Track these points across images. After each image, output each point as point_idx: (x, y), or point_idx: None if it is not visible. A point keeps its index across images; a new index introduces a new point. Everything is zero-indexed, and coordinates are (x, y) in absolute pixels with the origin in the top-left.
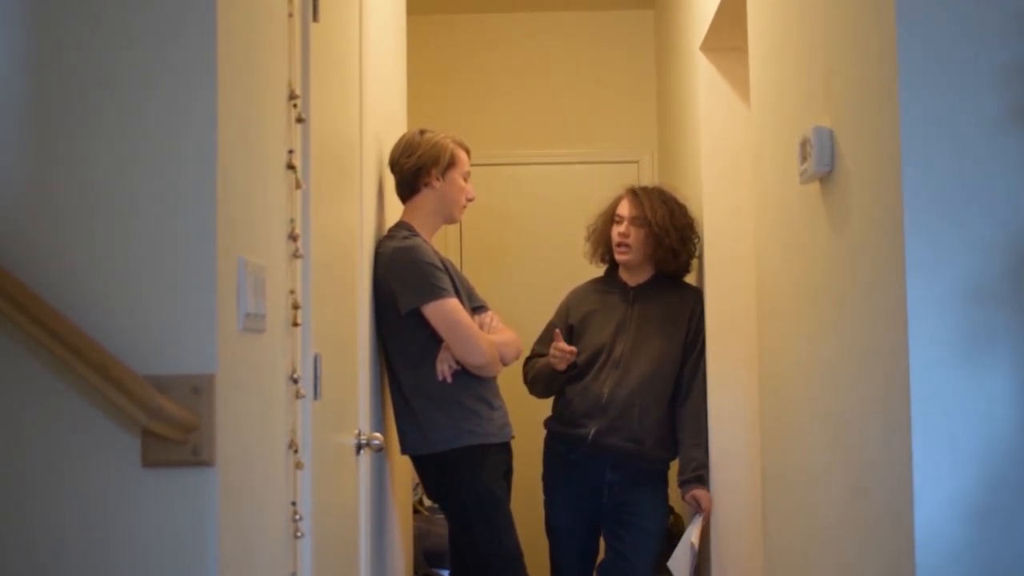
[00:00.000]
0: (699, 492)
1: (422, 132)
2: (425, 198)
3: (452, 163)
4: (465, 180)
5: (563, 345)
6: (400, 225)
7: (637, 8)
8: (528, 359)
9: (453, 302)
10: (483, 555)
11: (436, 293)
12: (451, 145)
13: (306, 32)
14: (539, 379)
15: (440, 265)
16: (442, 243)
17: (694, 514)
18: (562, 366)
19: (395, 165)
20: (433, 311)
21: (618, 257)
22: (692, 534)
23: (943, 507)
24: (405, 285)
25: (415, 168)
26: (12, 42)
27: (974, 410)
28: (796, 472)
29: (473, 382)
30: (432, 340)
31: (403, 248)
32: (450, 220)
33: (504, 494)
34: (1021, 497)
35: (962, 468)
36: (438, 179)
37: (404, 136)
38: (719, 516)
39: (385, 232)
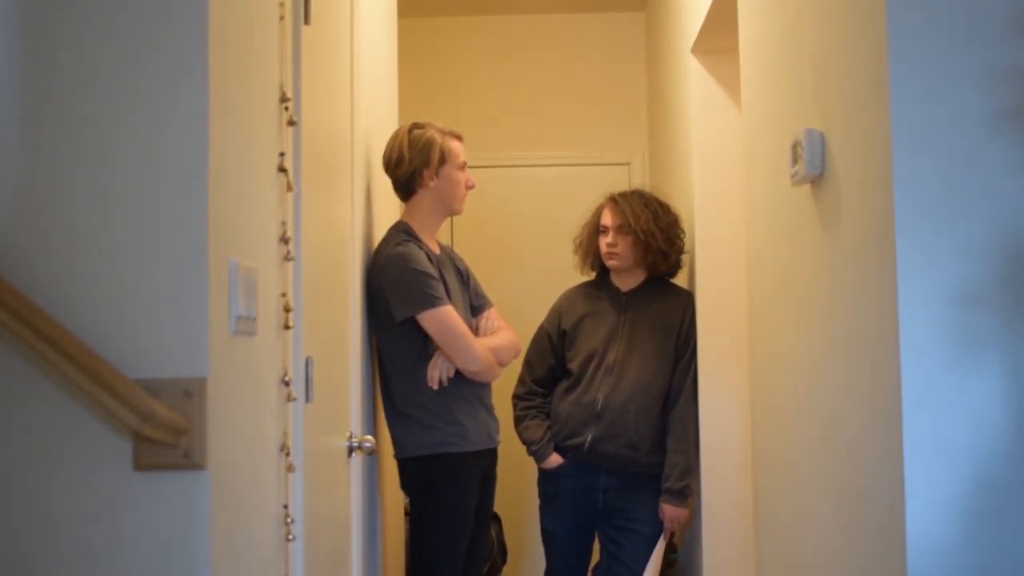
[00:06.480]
0: (668, 509)
1: (411, 130)
2: (422, 198)
3: (444, 159)
4: (461, 170)
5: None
6: (397, 227)
7: (628, 10)
8: (520, 395)
9: (447, 310)
10: (431, 563)
11: (430, 302)
12: (440, 139)
13: (297, 35)
14: (522, 438)
15: (432, 271)
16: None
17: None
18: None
19: (388, 170)
20: (428, 320)
21: (608, 264)
22: (656, 555)
23: (934, 509)
24: (398, 294)
25: (408, 174)
26: (1, 47)
27: (965, 412)
28: (788, 475)
29: (465, 388)
30: (427, 347)
31: (394, 256)
32: (452, 212)
33: (473, 503)
34: (1012, 499)
35: (953, 470)
36: (432, 178)
37: (396, 135)
38: (710, 521)
39: (379, 233)
